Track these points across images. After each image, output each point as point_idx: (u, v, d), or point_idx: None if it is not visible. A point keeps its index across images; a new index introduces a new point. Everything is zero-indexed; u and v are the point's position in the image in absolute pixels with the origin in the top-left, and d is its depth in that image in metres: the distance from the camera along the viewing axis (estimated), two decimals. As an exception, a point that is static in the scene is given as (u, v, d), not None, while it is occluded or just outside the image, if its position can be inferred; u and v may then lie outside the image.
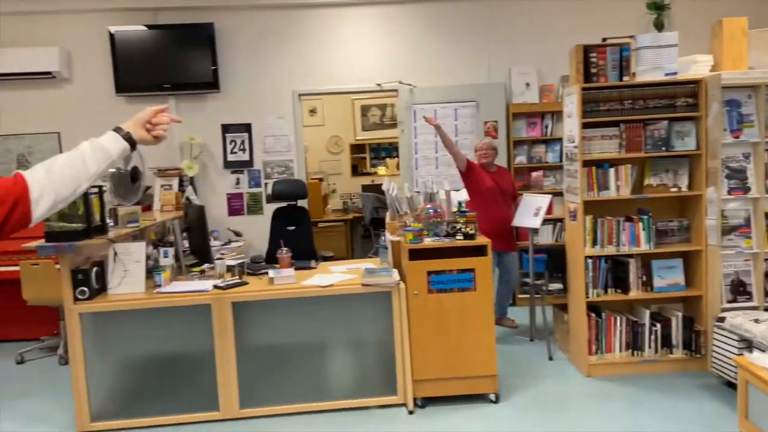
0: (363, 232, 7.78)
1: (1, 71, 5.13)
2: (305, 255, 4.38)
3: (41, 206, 1.31)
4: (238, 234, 5.42)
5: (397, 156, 8.30)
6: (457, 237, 3.53)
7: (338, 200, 8.11)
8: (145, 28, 5.31)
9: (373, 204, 7.00)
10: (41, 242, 3.26)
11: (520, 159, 5.53)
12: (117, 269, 3.45)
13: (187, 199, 4.89)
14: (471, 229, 3.53)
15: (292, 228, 4.83)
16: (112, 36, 5.28)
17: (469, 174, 4.57)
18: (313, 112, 8.02)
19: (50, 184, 1.32)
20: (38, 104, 5.43)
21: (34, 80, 5.32)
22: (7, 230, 1.29)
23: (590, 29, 5.44)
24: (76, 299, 3.31)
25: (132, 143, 1.45)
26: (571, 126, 3.88)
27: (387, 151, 8.39)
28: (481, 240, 3.51)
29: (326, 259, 4.60)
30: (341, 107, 8.05)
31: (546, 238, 5.50)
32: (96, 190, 3.46)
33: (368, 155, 8.34)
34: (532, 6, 5.57)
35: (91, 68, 5.42)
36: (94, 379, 3.35)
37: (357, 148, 8.27)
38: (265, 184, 5.64)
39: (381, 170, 8.28)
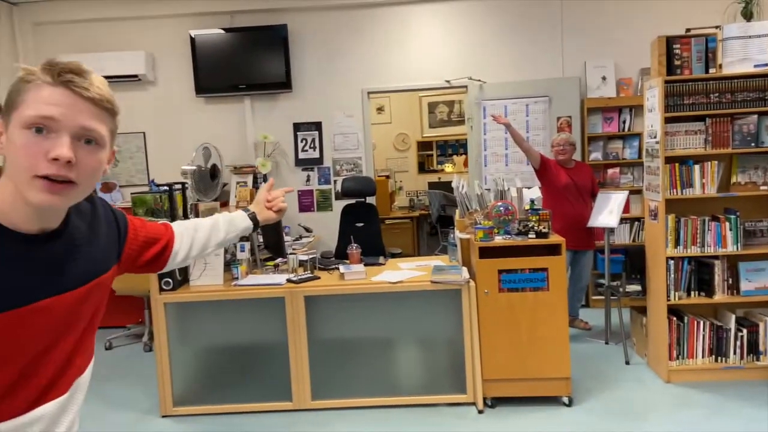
0: (429, 230, 7.77)
1: (93, 75, 5.48)
2: (374, 251, 4.43)
3: (177, 258, 1.41)
4: (308, 230, 5.55)
5: (465, 153, 8.25)
6: (530, 235, 3.46)
7: (405, 197, 8.13)
8: (222, 32, 5.53)
9: (440, 201, 6.98)
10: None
11: (595, 155, 5.35)
12: (198, 262, 3.62)
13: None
14: (544, 228, 3.46)
15: (361, 224, 4.90)
16: (192, 39, 5.52)
17: (543, 171, 4.47)
18: (380, 110, 8.08)
19: (189, 242, 1.43)
20: (125, 105, 5.76)
21: (121, 83, 5.65)
22: (146, 267, 1.34)
23: (672, 20, 5.20)
24: (161, 290, 3.51)
25: (256, 223, 1.56)
26: (652, 121, 3.72)
27: (454, 148, 8.34)
28: (555, 239, 3.43)
29: (394, 255, 4.63)
30: (408, 104, 8.07)
31: (623, 237, 5.29)
32: (179, 186, 3.65)
33: (435, 152, 8.31)
34: (609, -3, 5.37)
35: (173, 71, 5.70)
36: (176, 366, 3.54)
37: (424, 146, 8.26)
38: (335, 181, 5.74)
39: (448, 167, 8.24)
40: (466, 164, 8.26)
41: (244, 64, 5.52)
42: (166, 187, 3.55)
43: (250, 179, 5.49)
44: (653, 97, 3.67)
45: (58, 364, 1.06)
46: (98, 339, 4.88)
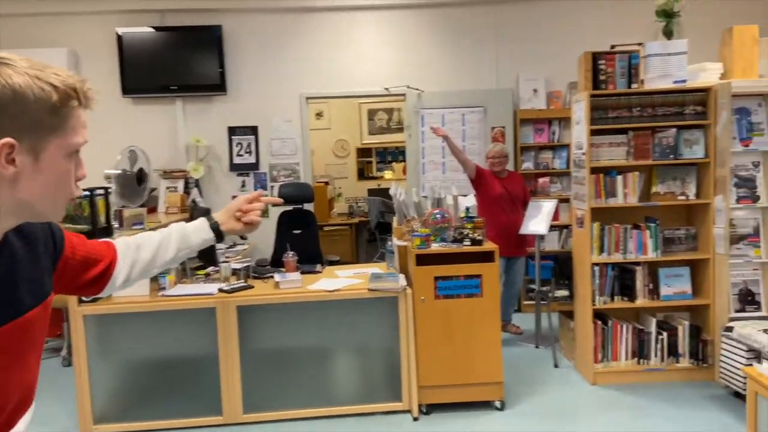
0: (368, 237, 7.77)
1: (10, 72, 5.14)
2: (311, 259, 4.37)
3: (117, 281, 1.25)
4: (242, 237, 5.41)
5: (404, 160, 8.31)
6: (465, 243, 3.51)
7: (344, 204, 8.10)
8: (153, 30, 5.32)
9: (378, 208, 6.99)
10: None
11: (527, 165, 5.51)
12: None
13: (193, 201, 4.88)
14: (478, 235, 3.52)
15: (299, 231, 4.82)
16: (119, 37, 5.29)
17: (479, 181, 4.57)
18: (319, 115, 8.03)
19: (130, 263, 1.26)
20: (46, 105, 5.44)
21: (42, 81, 5.33)
22: (82, 290, 1.21)
23: (599, 36, 5.44)
24: (80, 301, 3.31)
25: (219, 235, 1.33)
26: (579, 133, 3.86)
27: (393, 155, 8.39)
28: (489, 246, 3.49)
29: (332, 263, 4.59)
30: (348, 111, 8.06)
31: (552, 244, 5.47)
32: (102, 191, 3.47)
33: (374, 159, 8.33)
34: (540, 12, 5.57)
35: (98, 70, 5.43)
36: (97, 382, 3.35)
37: (363, 152, 8.26)
38: (271, 187, 5.63)
39: (387, 174, 8.28)
40: (405, 171, 8.33)
41: (176, 65, 5.34)
42: (87, 192, 3.36)
43: (180, 184, 5.30)
44: (580, 110, 3.82)
45: (21, 393, 1.01)
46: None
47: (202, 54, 5.35)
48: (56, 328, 5.02)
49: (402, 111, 8.08)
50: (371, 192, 7.98)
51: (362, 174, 8.32)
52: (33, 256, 1.02)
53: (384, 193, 7.93)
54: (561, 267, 4.27)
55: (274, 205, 1.41)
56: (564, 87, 5.56)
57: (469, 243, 3.51)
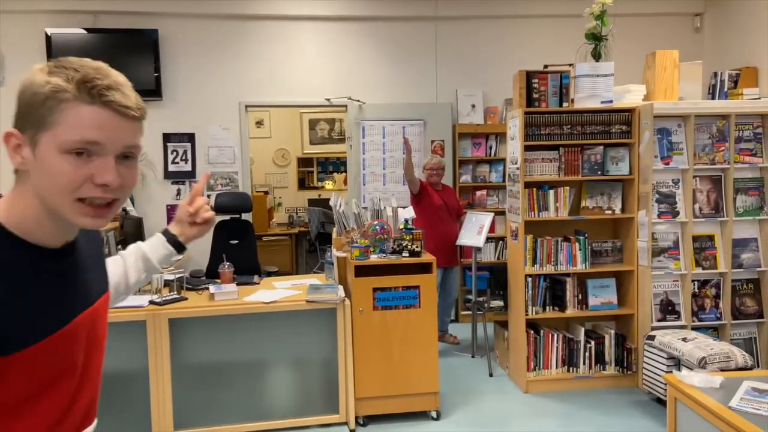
0: (309, 247, 7.71)
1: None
2: (248, 270, 4.29)
3: None
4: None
5: (345, 171, 8.32)
6: (404, 254, 3.55)
7: (284, 214, 8.01)
8: (84, 32, 5.11)
9: (319, 218, 6.95)
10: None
11: (465, 178, 5.64)
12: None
13: (124, 210, 4.70)
14: (417, 247, 3.56)
15: (236, 242, 4.73)
16: (48, 38, 5.05)
17: (421, 195, 4.64)
18: (259, 123, 7.92)
19: None
20: (-37, 105, 5.11)
21: (-41, 80, 5.02)
22: None
23: (533, 55, 5.66)
24: None
25: (179, 246, 1.30)
26: (514, 148, 4.00)
27: (335, 165, 8.38)
28: (427, 257, 3.54)
29: (270, 274, 4.52)
30: (289, 120, 8.00)
31: (488, 256, 5.61)
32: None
33: (315, 169, 8.29)
34: (479, 30, 5.73)
35: (26, 72, 5.14)
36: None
37: (304, 162, 8.21)
38: (208, 196, 5.49)
39: (328, 185, 8.25)
40: (346, 182, 8.34)
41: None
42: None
43: None
44: (515, 127, 3.96)
45: (88, 392, 1.03)
46: None
47: (137, 58, 5.18)
48: None
49: (343, 122, 8.11)
50: (312, 202, 7.93)
51: (303, 184, 8.26)
52: (93, 250, 1.05)
53: (325, 203, 7.90)
54: (496, 278, 4.38)
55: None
56: (500, 103, 5.73)
57: (407, 254, 3.55)
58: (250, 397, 3.40)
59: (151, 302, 3.33)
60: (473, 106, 5.65)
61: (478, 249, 4.64)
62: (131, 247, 1.34)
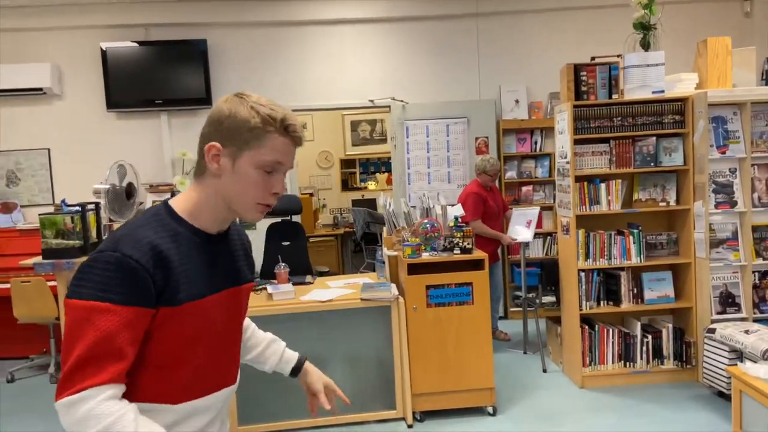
0: (354, 247, 7.80)
1: (-7, 87, 5.10)
2: (300, 270, 4.39)
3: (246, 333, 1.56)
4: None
5: (387, 171, 8.38)
6: (455, 251, 3.57)
7: (328, 215, 8.13)
8: (137, 45, 5.32)
9: (364, 219, 7.03)
10: (38, 259, 3.24)
11: (511, 174, 5.62)
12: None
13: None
14: (468, 244, 3.58)
15: (287, 243, 4.84)
16: (103, 52, 5.28)
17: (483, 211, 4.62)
18: (303, 127, 8.04)
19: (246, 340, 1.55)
20: (29, 120, 5.39)
21: (25, 96, 5.29)
22: None
23: (578, 48, 5.60)
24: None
25: (293, 372, 1.62)
26: (562, 142, 3.97)
27: (376, 165, 8.46)
28: (479, 254, 3.56)
29: (322, 274, 4.61)
30: (331, 122, 8.11)
31: (536, 251, 5.58)
32: (92, 206, 3.46)
33: (358, 170, 8.39)
34: (521, 25, 5.70)
35: (82, 84, 5.41)
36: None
37: (347, 163, 8.32)
38: (258, 199, 5.63)
39: (371, 185, 8.33)
40: (389, 182, 8.40)
41: (160, 79, 5.34)
42: (77, 207, 3.34)
43: (167, 198, 5.28)
44: (563, 121, 3.93)
45: (230, 355, 1.26)
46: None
47: (187, 67, 5.36)
48: (42, 344, 4.96)
49: (385, 122, 8.18)
50: (356, 203, 8.02)
51: (346, 185, 8.36)
52: (241, 245, 1.31)
53: (369, 203, 7.98)
54: (547, 273, 4.35)
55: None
56: (545, 97, 5.69)
57: (459, 252, 3.57)
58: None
59: (213, 303, 3.45)
60: (517, 101, 5.63)
61: (527, 244, 4.63)
62: (277, 343, 1.62)
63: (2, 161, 5.37)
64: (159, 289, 1.08)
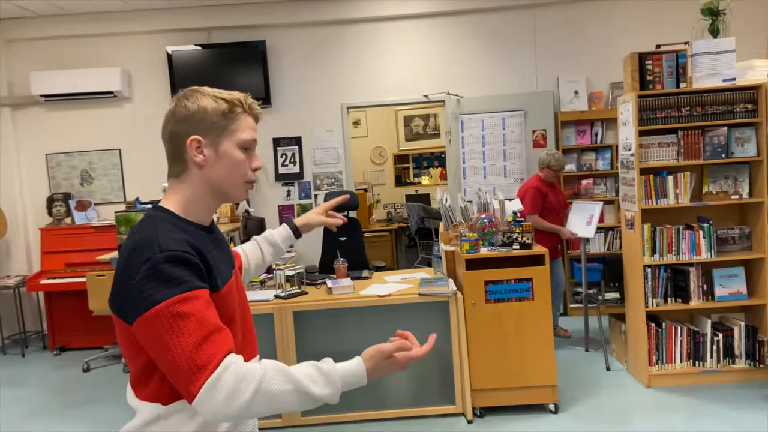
0: (408, 242, 7.83)
1: (69, 91, 5.40)
2: (358, 265, 4.45)
3: (250, 271, 1.76)
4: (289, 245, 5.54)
5: (440, 166, 8.35)
6: (514, 246, 3.54)
7: (382, 210, 8.18)
8: (200, 48, 5.51)
9: (418, 214, 7.04)
10: (114, 255, 3.42)
11: (570, 167, 5.49)
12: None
13: (247, 211, 5.03)
14: (528, 239, 3.54)
15: (344, 239, 4.91)
16: (169, 56, 5.49)
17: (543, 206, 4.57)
18: (356, 123, 8.14)
19: (247, 259, 1.73)
20: (101, 122, 5.69)
21: (96, 99, 5.58)
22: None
23: (640, 36, 5.41)
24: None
25: (296, 232, 1.83)
26: (626, 134, 3.86)
27: (428, 160, 8.44)
28: (539, 249, 3.51)
29: (379, 269, 4.66)
30: (384, 118, 8.15)
31: (597, 247, 5.44)
32: (163, 204, 3.62)
33: (411, 165, 8.40)
34: (579, 13, 5.56)
35: (150, 87, 5.65)
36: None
37: (400, 159, 8.34)
38: (315, 195, 5.75)
39: (424, 180, 8.33)
40: (442, 177, 8.37)
41: (223, 80, 5.51)
42: (149, 205, 3.50)
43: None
44: (627, 111, 3.81)
45: (251, 329, 1.37)
46: (75, 361, 4.75)
47: (247, 69, 5.51)
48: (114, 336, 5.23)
49: (438, 116, 8.15)
50: (409, 198, 8.04)
51: (400, 180, 8.39)
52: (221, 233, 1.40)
53: (423, 198, 7.99)
54: (610, 269, 4.23)
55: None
56: (605, 88, 5.53)
57: (518, 247, 3.53)
58: (369, 387, 3.53)
59: (276, 296, 3.56)
60: (576, 92, 5.49)
61: (587, 239, 4.52)
62: (256, 237, 1.77)
63: (77, 161, 5.69)
64: (206, 277, 1.15)
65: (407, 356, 1.24)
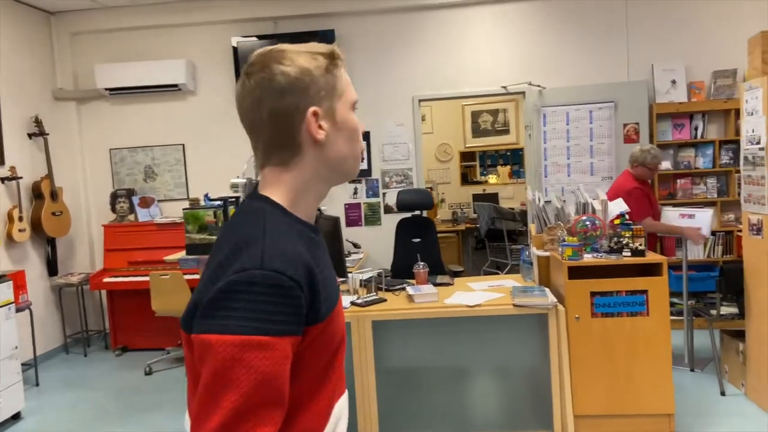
0: (476, 244, 7.42)
1: (133, 84, 5.26)
2: (432, 269, 4.09)
3: None
4: (356, 245, 5.24)
5: (505, 163, 7.90)
6: (623, 253, 3.10)
7: (447, 210, 7.80)
8: (266, 39, 5.28)
9: (489, 214, 6.62)
10: (182, 255, 3.18)
11: (665, 164, 4.95)
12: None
13: (319, 210, 4.76)
14: (640, 245, 3.09)
15: (417, 240, 4.56)
16: (234, 48, 5.28)
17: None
18: (422, 118, 7.77)
19: None
20: (164, 116, 5.53)
21: (160, 93, 5.43)
22: None
23: (748, 18, 4.83)
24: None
25: None
26: (753, 125, 3.34)
27: (493, 159, 7.99)
28: (654, 257, 3.06)
29: (456, 274, 4.28)
30: (451, 113, 7.76)
31: (695, 253, 4.88)
32: (233, 200, 3.36)
33: (478, 163, 7.97)
34: (677, -5, 5.01)
35: (214, 80, 5.46)
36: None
37: (466, 156, 7.93)
38: (383, 194, 5.42)
39: (492, 179, 7.90)
40: (510, 175, 7.92)
41: (288, 72, 5.25)
42: (219, 202, 3.27)
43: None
44: (755, 99, 3.30)
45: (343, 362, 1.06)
46: (136, 363, 4.57)
47: (314, 59, 5.22)
48: (178, 337, 5.06)
49: (508, 112, 7.70)
50: (477, 197, 7.63)
51: (465, 179, 7.98)
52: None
53: (491, 197, 7.55)
54: (728, 280, 3.71)
55: None
56: (707, 77, 4.97)
57: (629, 254, 3.09)
58: (453, 405, 3.17)
59: (353, 303, 3.24)
60: (674, 82, 4.95)
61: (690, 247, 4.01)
62: None
63: (141, 157, 5.55)
64: (306, 309, 0.86)
65: None
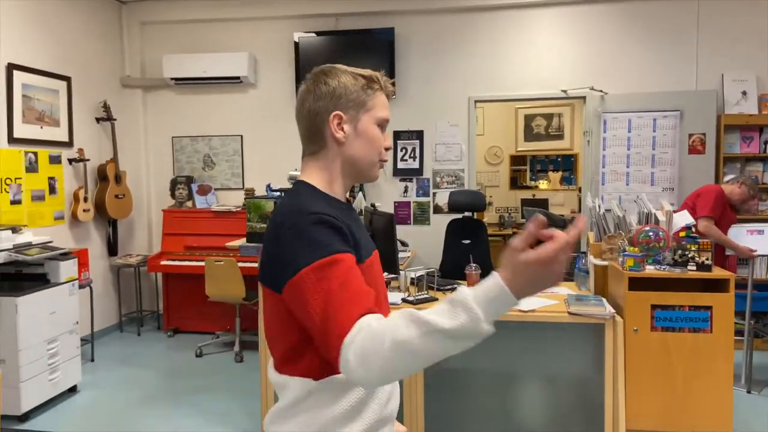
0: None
1: (198, 75, 5.41)
2: (482, 272, 4.06)
3: None
4: (404, 244, 5.24)
5: (556, 169, 7.76)
6: (689, 267, 3.00)
7: (494, 214, 7.72)
8: (327, 35, 5.34)
9: (539, 220, 6.51)
10: (242, 242, 3.26)
11: (731, 178, 4.77)
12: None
13: (372, 205, 4.79)
14: (706, 259, 2.99)
15: (468, 242, 4.54)
16: (296, 44, 5.36)
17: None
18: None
19: None
20: (224, 108, 5.67)
21: (223, 84, 5.56)
22: None
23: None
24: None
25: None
26: (835, 141, 3.18)
27: (542, 163, 7.86)
28: (721, 273, 2.96)
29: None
30: (504, 116, 7.67)
31: (760, 271, 4.69)
32: (292, 192, 3.43)
33: (528, 167, 7.86)
34: (753, 3, 4.81)
35: (275, 74, 5.55)
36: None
37: (516, 160, 7.83)
38: (434, 193, 5.41)
39: (542, 184, 7.77)
40: (561, 182, 7.77)
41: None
42: (277, 192, 3.33)
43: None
44: (838, 114, 3.14)
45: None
46: (187, 344, 4.68)
47: (374, 57, 5.26)
48: (227, 322, 5.18)
49: (563, 117, 7.55)
50: (525, 202, 7.52)
51: (515, 183, 7.88)
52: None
53: (541, 203, 7.44)
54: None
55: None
56: (781, 89, 4.76)
57: (694, 267, 2.99)
58: (500, 409, 3.14)
59: (404, 300, 3.24)
60: (744, 93, 4.77)
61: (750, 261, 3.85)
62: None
63: (200, 146, 5.71)
64: (351, 243, 1.11)
65: (554, 247, 0.87)
